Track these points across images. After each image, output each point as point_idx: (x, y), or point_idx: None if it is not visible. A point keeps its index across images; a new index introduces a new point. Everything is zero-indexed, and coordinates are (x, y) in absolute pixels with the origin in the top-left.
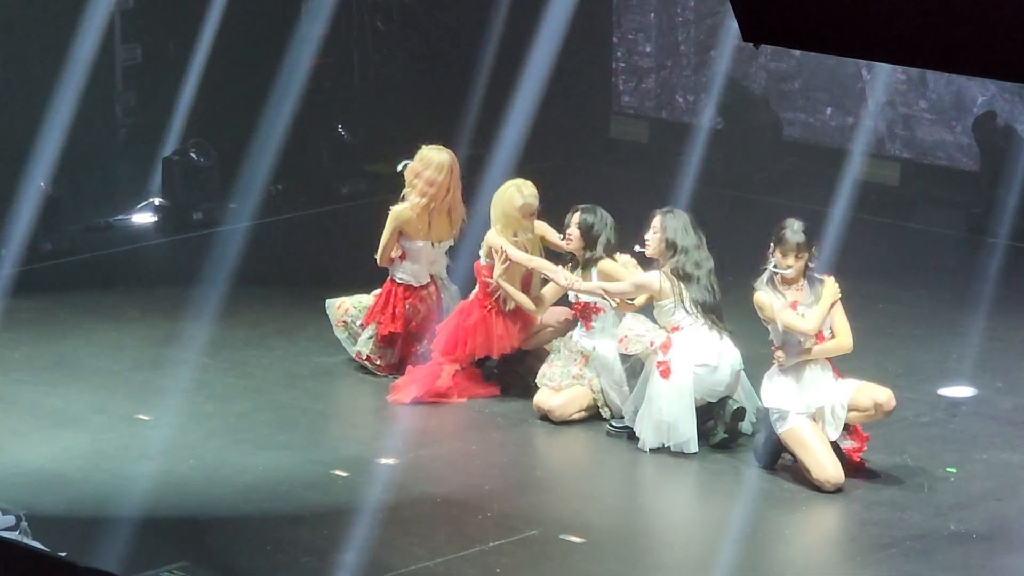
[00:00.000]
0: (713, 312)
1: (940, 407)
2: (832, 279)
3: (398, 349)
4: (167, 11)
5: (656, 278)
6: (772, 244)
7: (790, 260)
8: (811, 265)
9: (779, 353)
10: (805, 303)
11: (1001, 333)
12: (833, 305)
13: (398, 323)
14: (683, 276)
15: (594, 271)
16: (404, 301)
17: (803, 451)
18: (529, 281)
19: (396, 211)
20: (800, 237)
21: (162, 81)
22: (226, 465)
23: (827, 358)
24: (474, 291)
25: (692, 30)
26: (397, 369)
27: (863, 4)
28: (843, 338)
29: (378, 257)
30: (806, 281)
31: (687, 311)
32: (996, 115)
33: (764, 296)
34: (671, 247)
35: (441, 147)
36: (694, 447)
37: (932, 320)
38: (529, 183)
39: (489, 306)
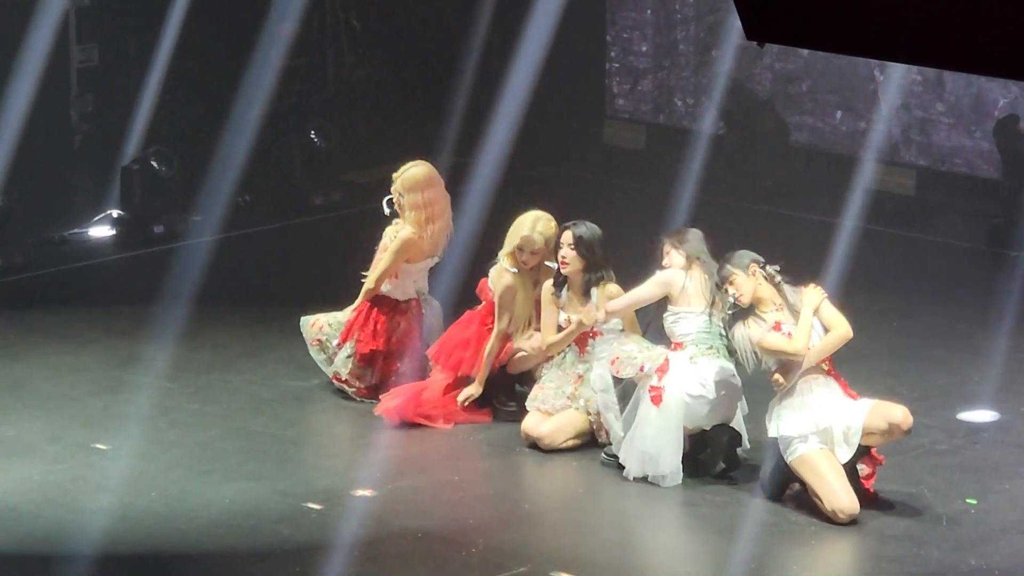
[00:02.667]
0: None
1: (959, 433)
2: (812, 286)
3: (378, 368)
4: (126, 9)
5: (681, 277)
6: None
7: (729, 291)
8: (777, 280)
9: (776, 376)
10: (789, 322)
11: None
12: (817, 311)
13: (379, 340)
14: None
15: (594, 292)
16: (385, 316)
17: (815, 479)
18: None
19: (405, 239)
20: (722, 272)
21: (121, 84)
22: (190, 498)
23: (835, 377)
24: (480, 305)
25: (692, 28)
26: (376, 391)
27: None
28: (840, 327)
29: (372, 282)
30: (784, 298)
31: (710, 331)
32: (1019, 119)
33: (738, 332)
34: (697, 258)
35: (416, 162)
36: (675, 481)
37: (950, 339)
38: (549, 220)
39: (489, 325)
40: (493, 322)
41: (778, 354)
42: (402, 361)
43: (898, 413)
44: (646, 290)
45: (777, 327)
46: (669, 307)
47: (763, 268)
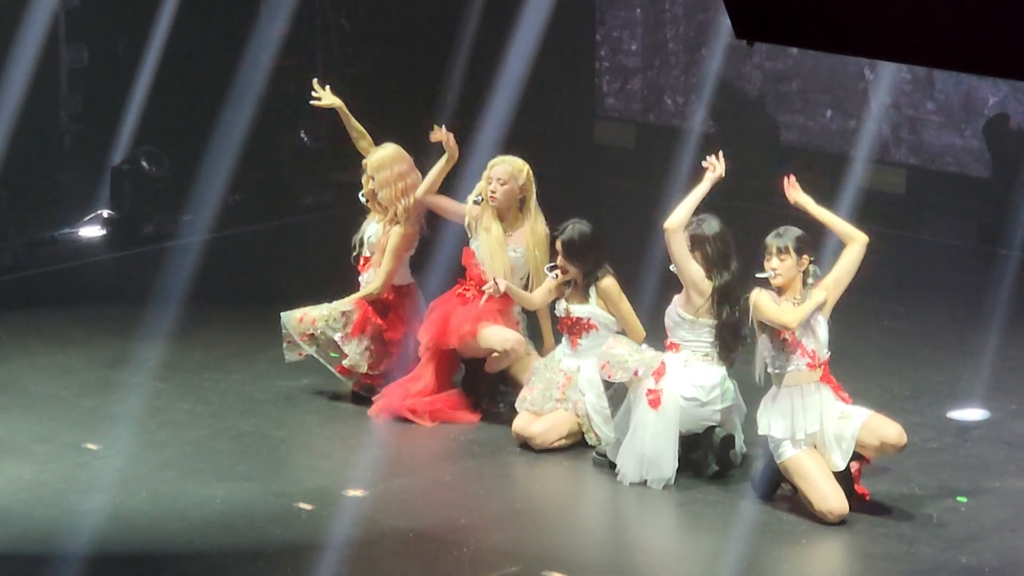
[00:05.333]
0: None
1: (950, 432)
2: (821, 289)
3: (401, 351)
4: (116, 9)
5: (708, 287)
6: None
7: (773, 263)
8: (808, 281)
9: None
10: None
11: (1015, 352)
12: (820, 306)
13: (405, 324)
14: (728, 297)
15: (592, 292)
16: (400, 302)
17: (803, 481)
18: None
19: (401, 235)
20: (780, 241)
21: (111, 84)
22: (181, 498)
23: (828, 381)
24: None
25: (681, 27)
26: (386, 376)
27: None
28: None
29: (379, 287)
30: (806, 295)
31: (711, 342)
32: (1009, 118)
33: (764, 296)
34: (724, 258)
35: (383, 144)
36: (668, 483)
37: (941, 338)
38: (520, 160)
39: (460, 291)
40: (468, 288)
41: (768, 317)
42: (408, 344)
43: (892, 432)
44: (692, 267)
45: None
46: (681, 306)
47: (812, 263)
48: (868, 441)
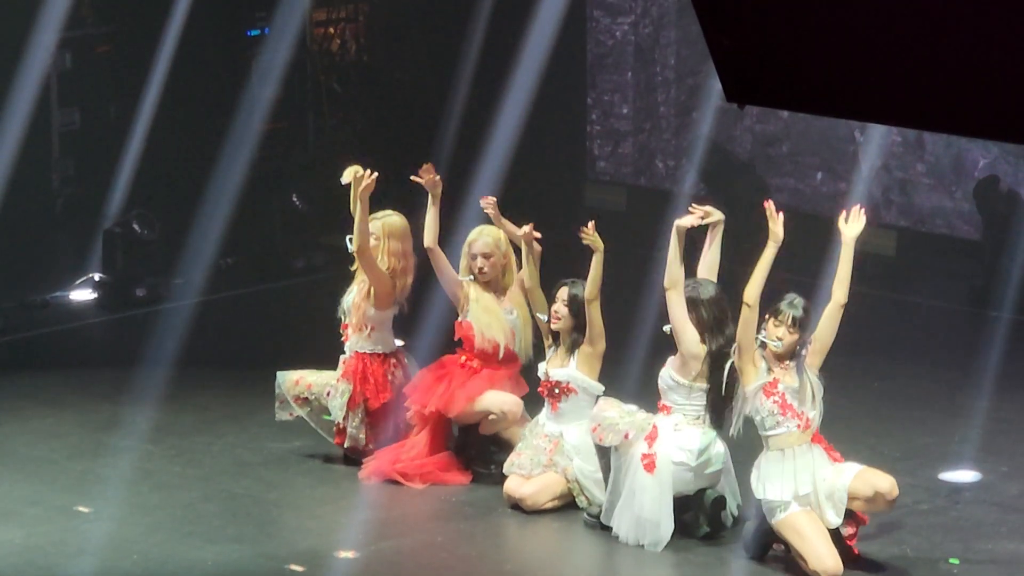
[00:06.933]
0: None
1: (941, 493)
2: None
3: (392, 420)
4: (107, 72)
5: (703, 354)
6: (767, 314)
7: (781, 332)
8: (802, 352)
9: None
10: (789, 385)
11: (1006, 414)
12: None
13: (385, 392)
14: (722, 363)
15: (575, 355)
16: (381, 370)
17: (799, 541)
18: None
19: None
20: (797, 312)
21: (102, 147)
22: (172, 561)
23: (819, 441)
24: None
25: (672, 90)
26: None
27: (855, 61)
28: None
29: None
30: (795, 365)
31: (703, 406)
32: (999, 179)
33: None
34: (719, 323)
35: (392, 211)
36: (664, 544)
37: (932, 400)
38: (496, 229)
39: (464, 362)
40: (471, 359)
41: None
42: (398, 411)
43: (885, 483)
44: (688, 330)
45: (775, 384)
46: (676, 370)
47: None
48: (861, 490)
